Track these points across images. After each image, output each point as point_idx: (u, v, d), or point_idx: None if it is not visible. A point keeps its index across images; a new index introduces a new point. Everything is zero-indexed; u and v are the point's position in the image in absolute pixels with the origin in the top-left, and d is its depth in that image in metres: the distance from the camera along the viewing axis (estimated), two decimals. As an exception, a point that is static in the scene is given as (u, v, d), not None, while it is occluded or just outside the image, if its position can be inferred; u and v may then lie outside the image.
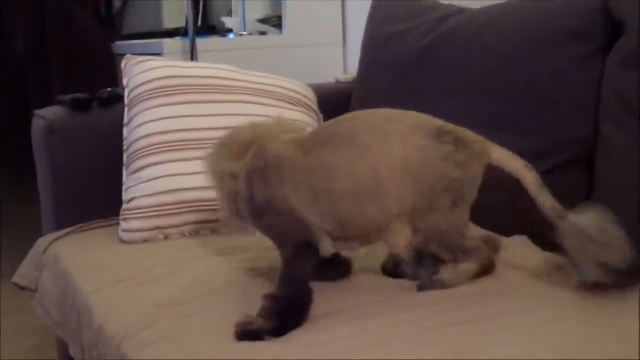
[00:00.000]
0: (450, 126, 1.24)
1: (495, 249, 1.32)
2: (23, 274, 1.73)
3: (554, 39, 1.52)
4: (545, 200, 1.22)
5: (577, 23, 1.49)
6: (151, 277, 1.39)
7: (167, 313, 1.21)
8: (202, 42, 2.55)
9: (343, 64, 2.76)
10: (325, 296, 1.19)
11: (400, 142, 1.19)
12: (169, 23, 3.43)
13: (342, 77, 2.31)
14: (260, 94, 1.83)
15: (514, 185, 1.45)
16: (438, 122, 1.25)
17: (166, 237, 1.63)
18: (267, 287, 1.28)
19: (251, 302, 1.22)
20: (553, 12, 1.54)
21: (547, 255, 1.37)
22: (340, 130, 1.23)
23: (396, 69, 1.89)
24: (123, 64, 1.84)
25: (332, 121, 1.29)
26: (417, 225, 1.21)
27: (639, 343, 0.99)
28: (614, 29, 1.45)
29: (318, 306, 1.16)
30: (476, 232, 1.36)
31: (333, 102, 2.09)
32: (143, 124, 1.71)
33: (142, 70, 1.79)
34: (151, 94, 1.74)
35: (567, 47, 1.50)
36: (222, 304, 1.23)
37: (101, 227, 1.76)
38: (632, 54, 1.39)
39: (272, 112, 1.79)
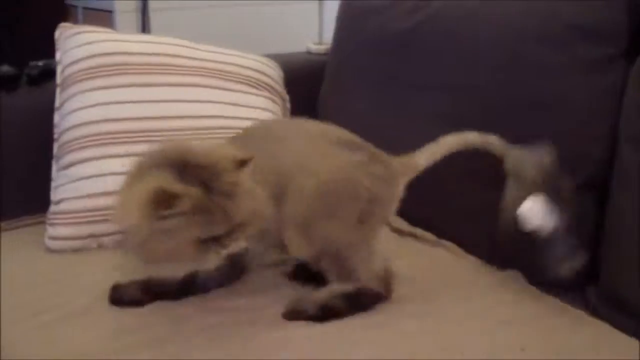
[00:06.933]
0: (363, 142, 1.23)
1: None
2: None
3: (561, 36, 1.29)
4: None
5: (592, 20, 1.26)
6: (78, 307, 1.19)
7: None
8: (157, 2, 2.30)
9: (318, 27, 2.51)
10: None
11: (306, 144, 1.19)
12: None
13: (314, 48, 2.05)
14: (216, 75, 1.59)
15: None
16: (349, 135, 1.24)
17: (100, 246, 1.41)
18: (198, 304, 1.17)
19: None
20: (563, 4, 1.30)
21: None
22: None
23: (374, 50, 1.67)
24: (57, 34, 1.58)
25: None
26: (313, 231, 1.13)
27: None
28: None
29: None
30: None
31: (302, 78, 1.86)
32: (76, 110, 1.48)
33: (77, 44, 1.54)
34: (87, 74, 1.50)
35: (577, 48, 1.27)
36: None
37: (26, 225, 1.53)
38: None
39: (230, 97, 1.57)
